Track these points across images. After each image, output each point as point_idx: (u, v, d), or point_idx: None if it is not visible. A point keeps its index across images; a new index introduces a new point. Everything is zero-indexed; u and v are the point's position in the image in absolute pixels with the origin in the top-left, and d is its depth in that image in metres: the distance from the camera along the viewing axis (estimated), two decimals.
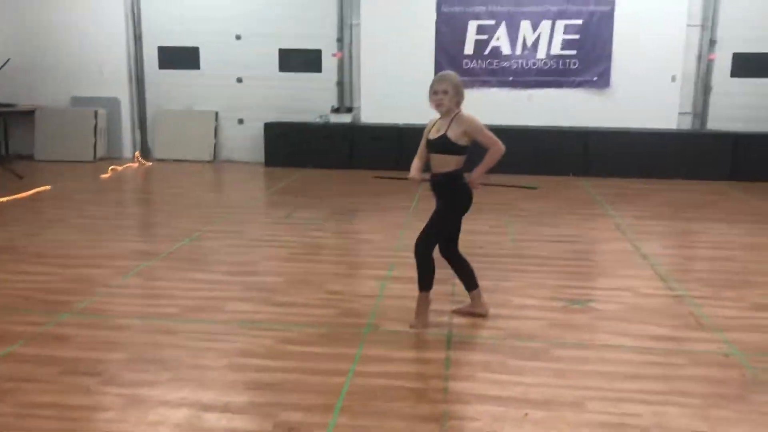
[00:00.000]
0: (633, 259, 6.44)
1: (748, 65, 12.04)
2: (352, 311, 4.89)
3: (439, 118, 4.48)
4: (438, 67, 12.61)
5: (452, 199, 4.45)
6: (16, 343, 4.21)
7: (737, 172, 11.43)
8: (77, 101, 13.41)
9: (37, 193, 9.51)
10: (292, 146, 12.59)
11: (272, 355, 4.06)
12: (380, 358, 4.06)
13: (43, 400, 3.49)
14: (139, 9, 13.30)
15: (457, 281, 4.82)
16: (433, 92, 4.37)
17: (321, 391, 3.59)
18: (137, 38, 13.38)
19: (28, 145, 13.29)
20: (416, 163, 4.59)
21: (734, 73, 12.11)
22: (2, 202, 8.72)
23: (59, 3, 13.17)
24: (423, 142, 4.58)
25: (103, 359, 4.00)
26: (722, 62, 12.09)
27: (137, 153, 13.33)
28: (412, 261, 4.53)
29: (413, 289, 4.67)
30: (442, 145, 4.36)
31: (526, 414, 3.40)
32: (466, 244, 4.83)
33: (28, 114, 13.16)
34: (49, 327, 4.49)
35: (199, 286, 5.41)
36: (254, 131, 13.14)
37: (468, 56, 12.70)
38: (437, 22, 12.63)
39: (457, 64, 12.61)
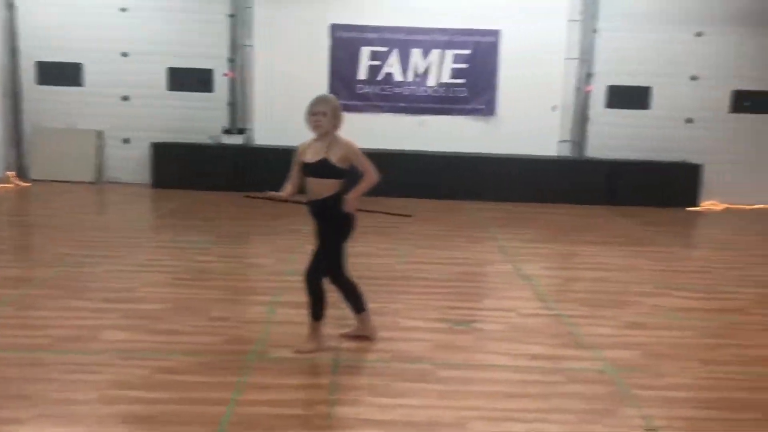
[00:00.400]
0: (515, 281, 6.68)
1: (621, 97, 12.90)
2: (237, 338, 4.76)
3: (315, 141, 4.41)
4: (332, 91, 12.66)
5: (337, 225, 4.40)
6: None
7: (612, 197, 12.17)
8: None
9: None
10: (181, 167, 12.25)
11: (149, 386, 3.87)
12: (265, 385, 3.97)
13: None
14: (14, 21, 12.58)
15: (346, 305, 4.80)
16: (311, 113, 4.32)
17: (200, 422, 3.46)
18: (13, 52, 12.63)
19: None
20: (288, 188, 4.52)
21: (609, 104, 12.93)
22: None
23: None
24: (296, 166, 4.51)
25: None
26: (598, 94, 12.88)
27: (12, 173, 12.51)
28: (302, 285, 4.49)
29: (302, 313, 4.64)
30: (323, 168, 4.31)
31: None
32: (356, 267, 4.85)
33: None
34: None
35: (74, 315, 5.10)
36: (141, 151, 12.68)
37: (362, 81, 12.87)
38: (331, 47, 12.73)
39: (350, 89, 12.76)
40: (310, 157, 4.36)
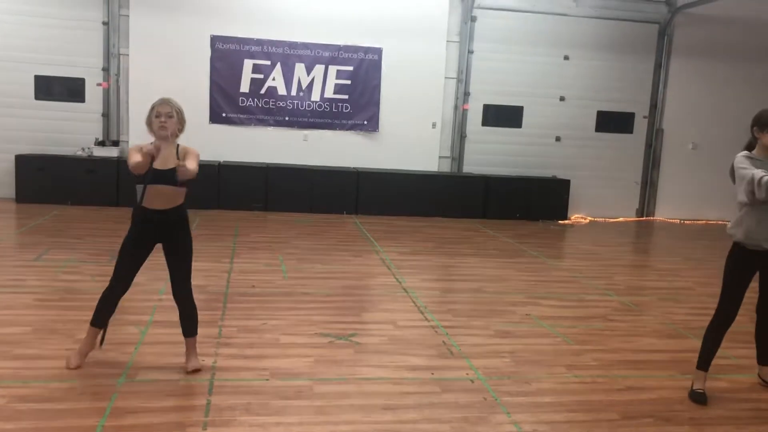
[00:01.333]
0: (395, 293, 6.81)
1: (495, 116, 13.52)
2: (106, 361, 4.54)
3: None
4: (213, 103, 12.49)
5: (189, 235, 4.30)
6: None
7: (488, 210, 12.70)
8: None
9: None
10: (49, 181, 11.55)
11: (4, 417, 3.61)
12: (135, 409, 3.81)
13: None
14: None
15: (226, 323, 4.71)
16: (156, 115, 4.10)
17: None
18: None
19: None
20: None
21: (484, 122, 13.50)
22: None
23: None
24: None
25: None
26: (474, 112, 13.42)
27: None
28: (175, 305, 4.37)
29: (175, 333, 4.50)
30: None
31: None
32: (239, 283, 4.76)
33: None
34: None
35: None
36: (4, 164, 11.85)
37: (244, 94, 12.70)
38: (212, 58, 12.49)
39: (233, 101, 12.58)
40: (161, 164, 4.11)
